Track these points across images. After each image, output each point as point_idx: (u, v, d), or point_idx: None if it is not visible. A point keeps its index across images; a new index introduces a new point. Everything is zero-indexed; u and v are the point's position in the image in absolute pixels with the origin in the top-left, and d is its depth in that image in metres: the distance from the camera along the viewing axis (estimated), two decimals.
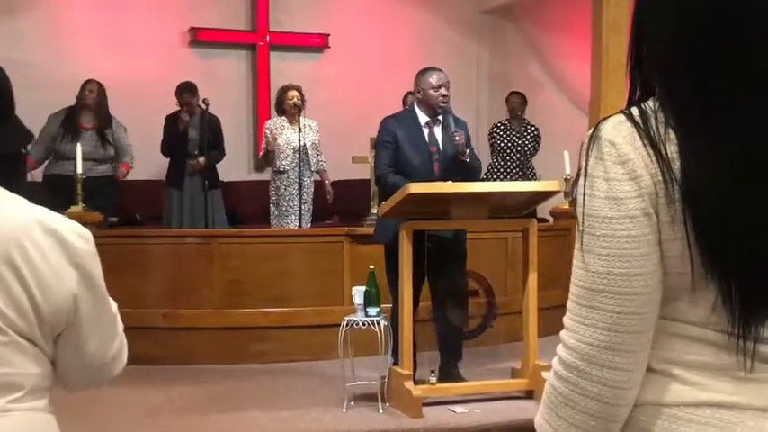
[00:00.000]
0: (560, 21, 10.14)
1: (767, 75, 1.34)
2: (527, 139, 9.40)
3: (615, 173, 1.34)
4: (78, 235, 1.74)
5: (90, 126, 8.04)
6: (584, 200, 1.38)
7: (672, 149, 1.33)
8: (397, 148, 5.51)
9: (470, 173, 5.59)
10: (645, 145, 1.34)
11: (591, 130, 1.40)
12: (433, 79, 5.56)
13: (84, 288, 1.73)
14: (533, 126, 9.52)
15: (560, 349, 1.41)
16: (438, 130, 5.60)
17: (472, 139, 6.01)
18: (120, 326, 1.89)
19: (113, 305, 1.88)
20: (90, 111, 8.07)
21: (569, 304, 1.41)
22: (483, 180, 7.43)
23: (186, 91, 8.45)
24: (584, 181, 1.38)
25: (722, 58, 1.34)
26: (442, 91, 5.54)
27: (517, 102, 9.53)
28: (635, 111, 1.38)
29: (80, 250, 1.73)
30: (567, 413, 1.39)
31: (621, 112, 1.39)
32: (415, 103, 5.67)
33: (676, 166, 1.33)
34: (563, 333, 1.41)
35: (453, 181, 5.32)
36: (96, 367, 1.84)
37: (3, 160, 1.79)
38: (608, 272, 1.35)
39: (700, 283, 1.35)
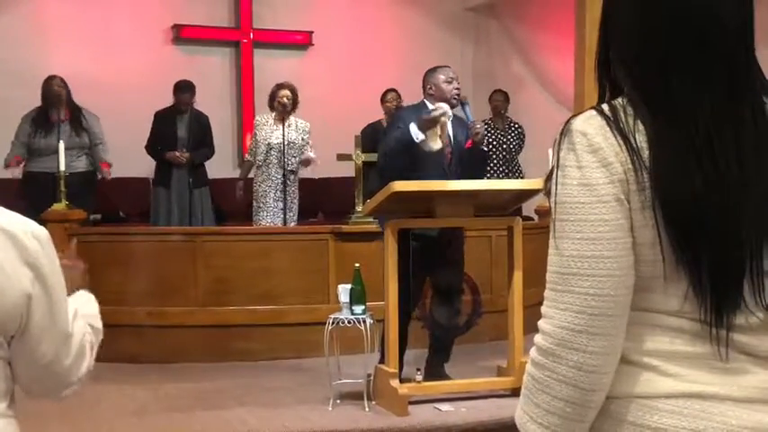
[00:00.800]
0: (544, 18, 10.17)
1: (725, 69, 1.40)
2: (512, 137, 9.42)
3: (587, 161, 1.39)
4: (32, 235, 1.69)
5: (63, 118, 8.00)
6: (556, 189, 1.42)
7: (641, 139, 1.39)
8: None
9: (483, 164, 5.66)
10: (615, 135, 1.40)
11: (562, 126, 1.45)
12: (444, 74, 5.66)
13: (38, 288, 1.69)
14: (517, 124, 9.54)
15: (538, 337, 1.45)
16: (449, 124, 5.59)
17: None
18: (81, 329, 1.83)
19: (73, 310, 1.82)
20: (61, 104, 8.03)
21: (546, 292, 1.45)
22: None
23: (186, 90, 8.46)
24: (557, 172, 1.43)
25: (685, 57, 1.40)
26: (455, 84, 5.65)
27: (500, 100, 9.56)
28: (605, 106, 1.44)
29: (33, 250, 1.68)
30: (544, 400, 1.42)
31: (592, 108, 1.45)
32: (425, 100, 5.67)
33: (646, 154, 1.38)
34: (540, 321, 1.45)
35: (466, 173, 5.40)
36: (52, 371, 1.78)
37: None
38: (581, 255, 1.39)
39: (671, 271, 1.39)
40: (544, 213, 7.77)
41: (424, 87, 5.71)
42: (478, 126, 5.56)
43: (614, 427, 1.42)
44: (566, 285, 1.40)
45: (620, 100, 1.44)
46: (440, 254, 5.51)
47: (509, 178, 8.96)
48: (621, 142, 1.38)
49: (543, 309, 1.44)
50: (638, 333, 1.42)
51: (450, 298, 5.60)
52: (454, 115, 5.63)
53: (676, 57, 1.40)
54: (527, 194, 5.59)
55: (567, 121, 1.44)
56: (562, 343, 1.39)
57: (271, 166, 7.98)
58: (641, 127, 1.39)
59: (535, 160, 8.73)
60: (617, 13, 1.48)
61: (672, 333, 1.41)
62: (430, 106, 5.56)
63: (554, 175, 1.44)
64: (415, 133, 5.30)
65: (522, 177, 9.12)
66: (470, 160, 5.55)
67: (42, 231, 1.72)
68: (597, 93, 1.53)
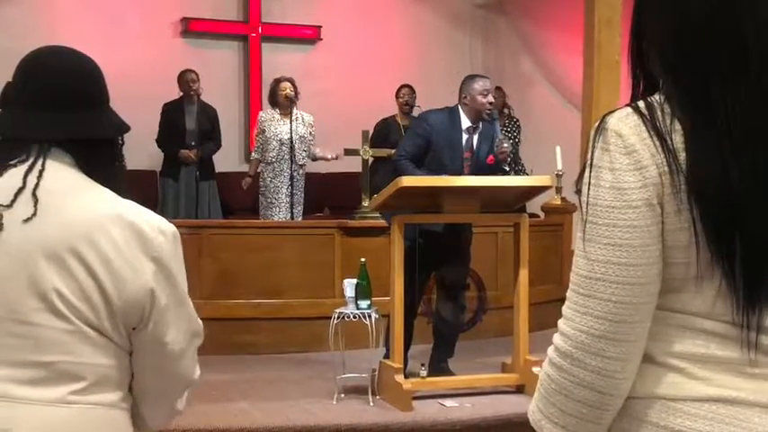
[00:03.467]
0: (552, 16, 10.17)
1: (762, 67, 1.37)
2: (514, 132, 9.43)
3: (620, 163, 1.37)
4: (159, 230, 1.73)
5: None
6: (588, 189, 1.40)
7: (678, 140, 1.36)
8: (427, 143, 5.53)
9: None
10: (651, 136, 1.36)
11: (597, 122, 1.42)
12: (480, 85, 5.61)
13: (161, 283, 1.72)
14: (515, 118, 9.57)
15: (556, 337, 1.43)
16: (476, 137, 5.61)
17: None
18: (199, 333, 1.85)
19: (195, 318, 1.84)
20: None
21: (568, 293, 1.43)
22: None
23: (189, 72, 8.50)
24: (590, 171, 1.40)
25: (723, 52, 1.37)
26: (489, 98, 5.62)
27: (501, 96, 9.56)
28: (641, 103, 1.40)
29: (157, 244, 1.71)
30: (560, 401, 1.42)
31: (628, 105, 1.41)
32: (459, 106, 5.66)
33: (682, 156, 1.35)
34: (560, 321, 1.43)
35: None
36: (171, 370, 1.80)
37: (95, 147, 1.77)
38: (607, 260, 1.37)
39: (705, 271, 1.37)
40: (550, 211, 7.77)
41: (459, 94, 5.68)
42: (506, 145, 5.55)
43: (636, 426, 1.41)
44: (589, 290, 1.38)
45: (657, 97, 1.41)
46: (445, 250, 5.51)
47: (515, 174, 8.96)
48: (658, 143, 1.36)
49: (564, 309, 1.43)
50: (666, 334, 1.41)
51: (456, 294, 5.60)
52: (481, 127, 5.64)
53: (712, 54, 1.38)
54: (534, 191, 5.59)
55: (602, 119, 1.41)
56: (581, 347, 1.38)
57: (283, 161, 7.99)
58: (678, 126, 1.37)
59: (542, 157, 8.72)
60: (651, 10, 1.46)
61: (702, 336, 1.39)
62: (462, 116, 5.60)
63: (586, 175, 1.41)
64: None
65: (524, 171, 9.12)
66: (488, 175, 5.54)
67: (170, 228, 1.75)
68: (630, 86, 1.49)
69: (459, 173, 5.49)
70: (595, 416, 1.40)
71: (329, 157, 8.18)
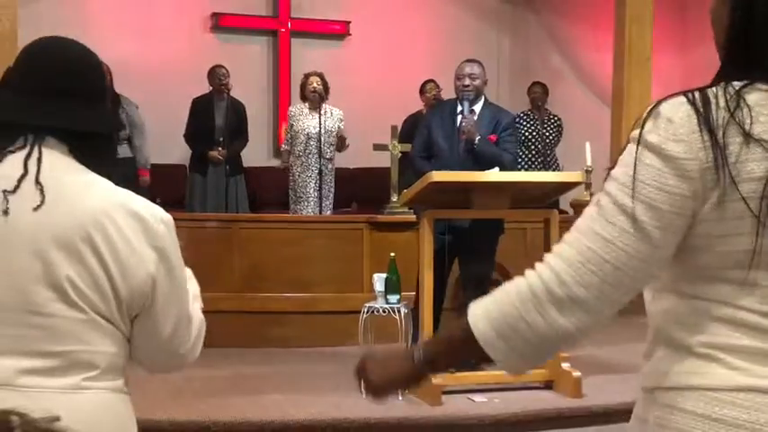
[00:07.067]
0: (582, 11, 10.14)
1: None
2: (550, 130, 9.38)
3: (669, 148, 1.39)
4: (160, 219, 1.77)
5: None
6: (635, 165, 1.41)
7: (733, 132, 1.37)
8: (429, 134, 5.78)
9: (487, 163, 5.60)
10: (701, 129, 1.38)
11: (650, 106, 1.44)
12: (460, 69, 5.83)
13: (162, 271, 1.76)
14: (556, 116, 9.51)
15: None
16: (474, 120, 5.72)
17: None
18: (198, 313, 1.92)
19: (194, 288, 1.91)
20: None
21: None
22: None
23: (220, 68, 8.55)
24: (637, 147, 1.42)
25: None
26: (464, 81, 5.76)
27: (539, 92, 9.53)
28: (697, 94, 1.42)
29: (160, 234, 1.76)
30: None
31: (683, 94, 1.43)
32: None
33: (731, 149, 1.37)
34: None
35: (475, 168, 5.40)
36: (172, 350, 1.86)
37: (93, 140, 1.80)
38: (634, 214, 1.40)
39: (761, 264, 1.38)
40: (580, 206, 7.75)
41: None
42: (464, 123, 5.63)
43: (673, 416, 1.43)
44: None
45: (714, 90, 1.42)
46: (471, 245, 5.52)
47: (545, 170, 8.94)
48: (707, 138, 1.37)
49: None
50: (704, 325, 1.43)
51: (484, 289, 5.60)
52: (479, 110, 5.77)
53: None
54: (564, 187, 5.58)
55: (656, 104, 1.43)
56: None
57: (310, 155, 8.04)
58: (733, 120, 1.38)
59: (572, 153, 8.71)
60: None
61: (742, 328, 1.41)
62: (458, 102, 5.77)
63: (630, 150, 1.43)
64: None
65: (557, 170, 9.09)
66: (478, 155, 5.62)
67: (168, 217, 1.80)
68: (720, 68, 1.48)
69: (456, 153, 5.61)
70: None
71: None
